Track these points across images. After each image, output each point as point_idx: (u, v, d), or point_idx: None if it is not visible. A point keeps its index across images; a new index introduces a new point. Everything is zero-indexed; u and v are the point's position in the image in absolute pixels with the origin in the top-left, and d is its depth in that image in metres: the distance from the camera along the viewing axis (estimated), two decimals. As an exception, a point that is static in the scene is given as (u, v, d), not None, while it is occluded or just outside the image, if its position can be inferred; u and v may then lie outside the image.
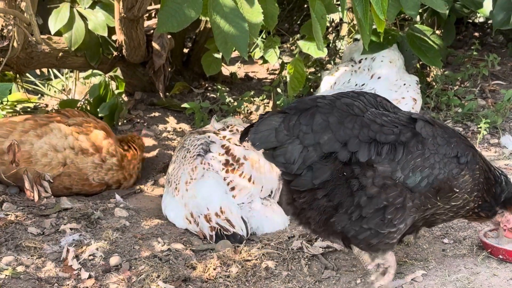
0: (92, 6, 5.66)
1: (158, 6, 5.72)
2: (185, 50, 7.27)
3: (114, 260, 4.08)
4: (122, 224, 4.55)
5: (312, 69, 6.83)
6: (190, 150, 4.85)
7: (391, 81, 5.45)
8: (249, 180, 4.69)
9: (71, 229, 4.41)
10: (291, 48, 7.35)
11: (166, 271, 3.96)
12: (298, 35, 6.70)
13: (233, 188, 4.65)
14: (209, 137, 4.91)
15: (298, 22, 8.16)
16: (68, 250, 4.13)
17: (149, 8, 5.92)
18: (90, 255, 4.12)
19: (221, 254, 4.16)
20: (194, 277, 3.95)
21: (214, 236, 4.43)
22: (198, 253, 4.27)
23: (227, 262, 4.08)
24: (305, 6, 7.98)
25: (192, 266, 4.07)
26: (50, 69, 7.04)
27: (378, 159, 3.42)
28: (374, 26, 4.18)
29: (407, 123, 3.53)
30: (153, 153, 5.84)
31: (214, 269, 4.00)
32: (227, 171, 4.70)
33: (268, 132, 3.44)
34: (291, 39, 7.35)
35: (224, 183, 4.65)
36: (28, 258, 4.08)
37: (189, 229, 4.62)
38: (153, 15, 6.33)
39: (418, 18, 6.67)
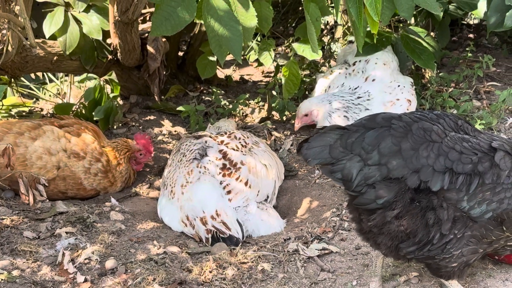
0: (86, 10, 5.64)
1: (153, 9, 5.71)
2: (180, 53, 7.26)
3: (110, 263, 4.08)
4: (118, 227, 4.54)
5: (307, 72, 6.83)
6: (186, 155, 4.85)
7: (385, 83, 5.45)
8: (246, 184, 4.69)
9: (66, 232, 4.40)
10: (286, 50, 7.35)
11: (162, 274, 3.96)
12: (293, 38, 6.70)
13: (229, 192, 4.65)
14: (206, 142, 4.91)
15: (293, 25, 8.16)
16: (63, 254, 4.13)
17: (143, 11, 5.92)
18: (85, 259, 4.12)
19: (217, 257, 4.15)
20: (190, 280, 3.94)
21: (210, 238, 4.43)
22: (194, 256, 4.27)
23: (223, 265, 4.08)
24: (300, 8, 7.97)
25: (188, 269, 4.07)
26: (45, 73, 7.04)
27: (450, 186, 3.32)
28: (368, 29, 4.18)
29: (487, 150, 3.40)
30: (149, 156, 5.82)
31: (210, 272, 3.99)
32: (223, 175, 4.71)
33: (321, 149, 3.37)
34: (286, 41, 7.34)
35: (220, 187, 4.65)
36: (24, 262, 4.07)
37: (184, 232, 4.62)
38: (147, 18, 6.33)
39: (412, 20, 6.67)
